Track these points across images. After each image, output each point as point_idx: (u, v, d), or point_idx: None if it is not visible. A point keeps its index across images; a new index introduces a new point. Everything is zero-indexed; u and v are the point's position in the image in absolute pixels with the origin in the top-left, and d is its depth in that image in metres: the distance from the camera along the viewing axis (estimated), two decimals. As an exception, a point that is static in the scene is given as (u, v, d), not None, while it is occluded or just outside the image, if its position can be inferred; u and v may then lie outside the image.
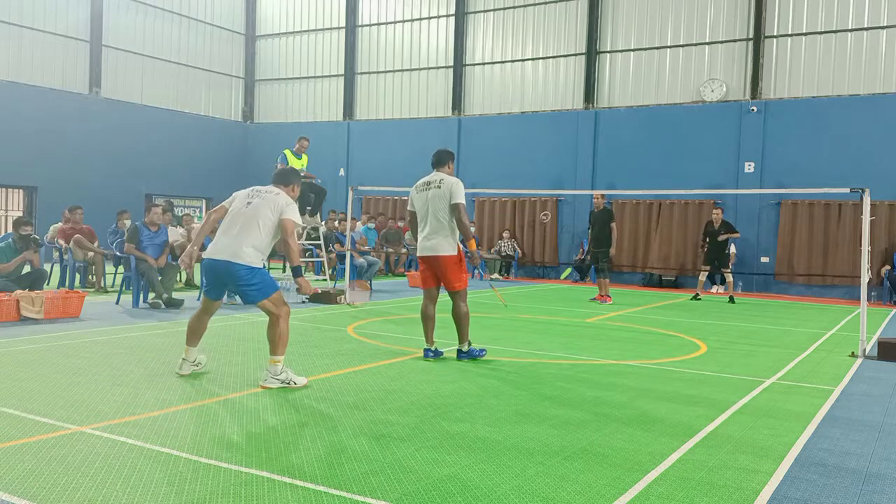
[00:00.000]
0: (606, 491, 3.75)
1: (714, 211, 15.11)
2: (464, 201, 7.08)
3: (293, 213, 5.88)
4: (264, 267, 5.83)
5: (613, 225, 13.75)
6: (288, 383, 5.76)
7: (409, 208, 7.50)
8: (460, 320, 7.19)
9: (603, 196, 14.03)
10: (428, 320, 7.32)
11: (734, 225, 15.50)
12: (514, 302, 13.16)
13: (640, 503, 3.62)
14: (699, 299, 14.82)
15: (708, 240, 14.76)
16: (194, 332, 6.16)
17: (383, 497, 3.56)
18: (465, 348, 7.25)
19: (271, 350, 5.81)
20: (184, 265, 6.15)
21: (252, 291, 5.74)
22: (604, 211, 13.83)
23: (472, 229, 20.10)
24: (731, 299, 14.54)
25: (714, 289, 16.99)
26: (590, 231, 14.51)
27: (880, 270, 15.77)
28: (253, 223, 5.77)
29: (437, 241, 7.11)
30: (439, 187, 7.11)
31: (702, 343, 8.96)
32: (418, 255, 7.35)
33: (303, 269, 6.12)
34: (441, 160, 7.33)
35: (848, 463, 4.37)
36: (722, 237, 14.55)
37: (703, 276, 15.06)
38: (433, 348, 7.31)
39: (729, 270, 14.91)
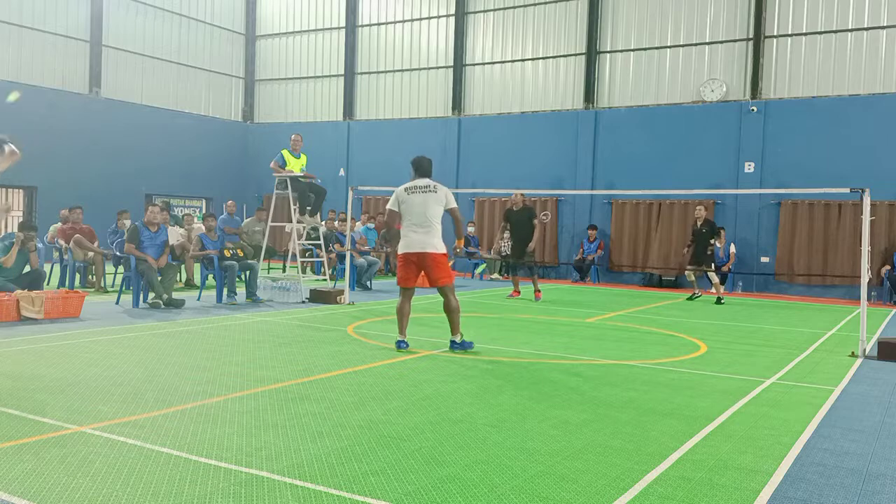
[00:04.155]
0: (606, 491, 3.74)
1: (696, 208, 15.09)
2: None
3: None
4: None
5: (536, 221, 13.68)
6: None
7: (391, 207, 7.83)
8: (452, 314, 7.66)
9: (523, 194, 13.87)
10: (404, 316, 7.74)
11: (715, 223, 15.44)
12: (514, 302, 13.16)
13: (640, 503, 3.62)
14: (697, 297, 14.81)
15: (693, 239, 14.71)
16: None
17: (383, 497, 3.56)
18: (458, 339, 7.65)
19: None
20: None
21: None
22: (525, 209, 13.75)
23: (473, 229, 20.19)
24: (719, 300, 14.23)
25: (713, 288, 16.95)
26: (506, 230, 14.24)
27: (880, 270, 15.77)
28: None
29: (430, 239, 7.64)
30: (435, 191, 7.71)
31: (702, 343, 8.96)
32: (406, 251, 7.71)
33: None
34: (427, 169, 7.90)
35: (848, 463, 4.36)
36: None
37: (691, 276, 15.02)
38: (406, 340, 7.73)
39: (712, 270, 14.64)
